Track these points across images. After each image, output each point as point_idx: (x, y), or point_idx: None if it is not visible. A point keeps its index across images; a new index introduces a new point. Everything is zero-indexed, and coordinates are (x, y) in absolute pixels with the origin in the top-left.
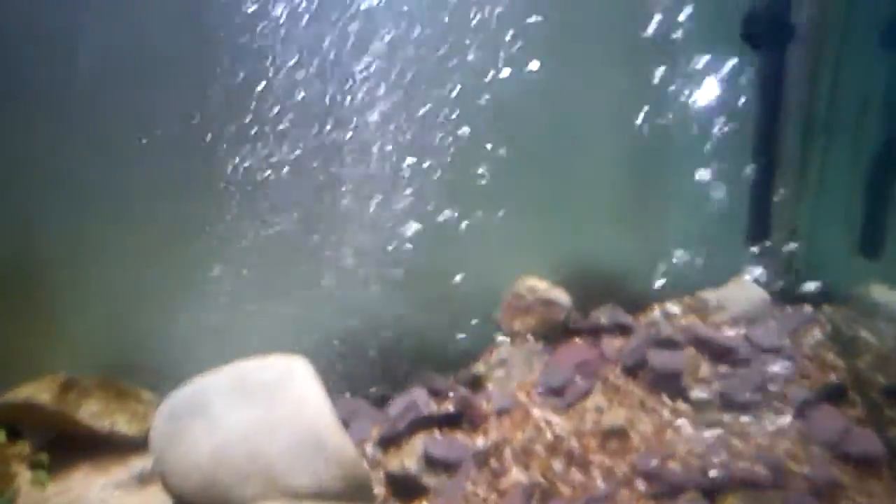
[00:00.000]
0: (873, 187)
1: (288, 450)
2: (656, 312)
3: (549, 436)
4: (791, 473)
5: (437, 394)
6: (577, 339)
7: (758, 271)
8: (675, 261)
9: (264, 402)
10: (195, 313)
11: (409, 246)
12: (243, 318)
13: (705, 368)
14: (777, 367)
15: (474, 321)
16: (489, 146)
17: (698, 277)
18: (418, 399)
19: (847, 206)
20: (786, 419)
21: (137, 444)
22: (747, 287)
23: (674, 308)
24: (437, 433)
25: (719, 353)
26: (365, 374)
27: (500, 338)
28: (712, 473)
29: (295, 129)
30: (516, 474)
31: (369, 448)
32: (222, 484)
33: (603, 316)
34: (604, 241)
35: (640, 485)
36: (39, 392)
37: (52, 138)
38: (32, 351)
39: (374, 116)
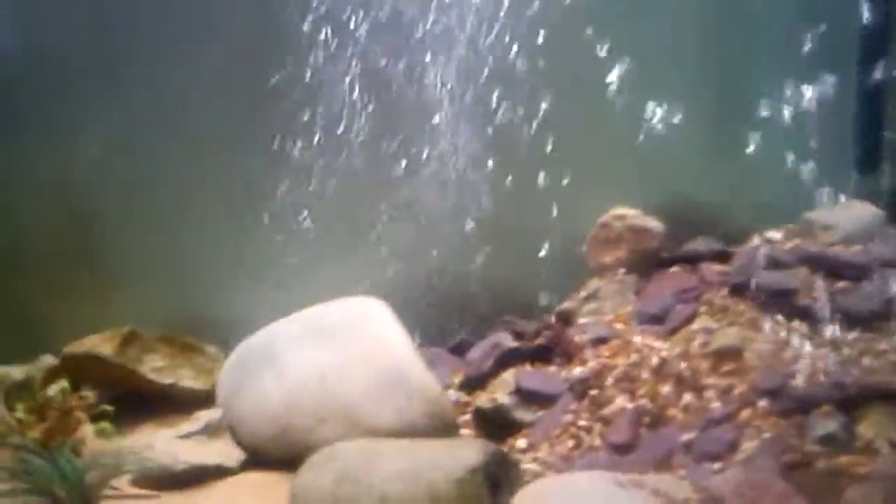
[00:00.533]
0: None
1: (368, 388)
2: (756, 240)
3: (654, 360)
4: None
5: (521, 336)
6: (672, 269)
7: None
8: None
9: (339, 343)
10: (266, 267)
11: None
12: (315, 274)
13: (821, 286)
14: None
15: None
16: None
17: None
18: (502, 340)
19: None
20: None
21: (203, 399)
22: (856, 206)
23: (776, 235)
24: (528, 368)
25: (835, 269)
26: (444, 325)
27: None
28: (845, 387)
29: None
30: (621, 402)
31: (452, 394)
32: (297, 429)
33: (699, 245)
34: (696, 175)
35: (764, 403)
36: (101, 344)
37: (117, 106)
38: (100, 309)
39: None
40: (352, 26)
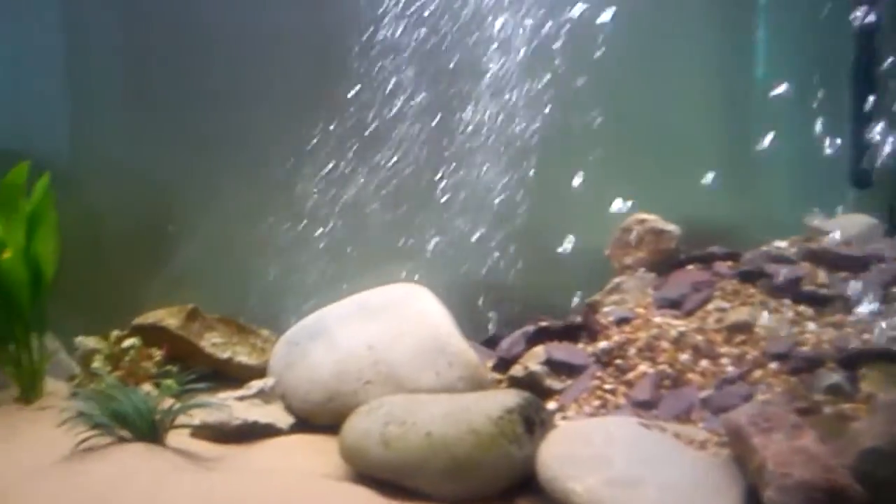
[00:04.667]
0: None
1: (411, 355)
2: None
3: (673, 333)
4: None
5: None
6: (688, 267)
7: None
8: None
9: (385, 318)
10: (314, 263)
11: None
12: (360, 269)
13: (823, 276)
14: None
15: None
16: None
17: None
18: (528, 329)
19: None
20: None
21: (256, 375)
22: (855, 217)
23: (782, 244)
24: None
25: (836, 262)
26: (478, 323)
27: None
28: (847, 350)
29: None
30: (643, 368)
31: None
32: (345, 394)
33: (713, 248)
34: (711, 193)
35: (773, 365)
36: (168, 317)
37: (198, 107)
38: (166, 295)
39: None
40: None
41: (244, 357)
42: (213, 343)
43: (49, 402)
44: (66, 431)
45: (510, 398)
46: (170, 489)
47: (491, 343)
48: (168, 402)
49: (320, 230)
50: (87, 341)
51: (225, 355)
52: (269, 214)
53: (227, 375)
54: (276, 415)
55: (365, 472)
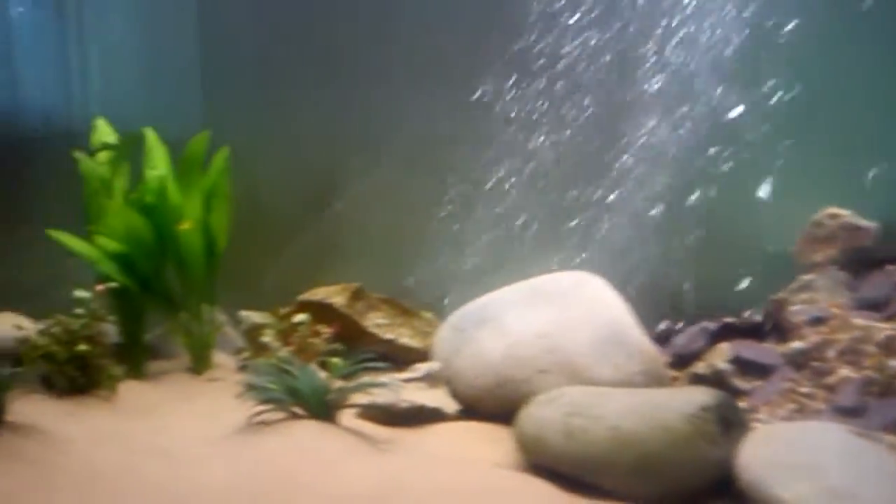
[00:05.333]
0: None
1: (588, 345)
2: None
3: (880, 336)
4: None
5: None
6: (888, 267)
7: None
8: None
9: (559, 305)
10: (478, 247)
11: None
12: (528, 259)
13: None
14: None
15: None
16: None
17: None
18: (708, 326)
19: None
20: None
21: (418, 357)
22: None
23: None
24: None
25: None
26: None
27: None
28: None
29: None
30: (845, 372)
31: None
32: (516, 380)
33: None
34: None
35: None
36: (334, 295)
37: (357, 97)
38: (329, 276)
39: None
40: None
41: (407, 339)
42: (377, 323)
43: (218, 373)
44: (238, 403)
45: (705, 396)
46: (353, 470)
47: (663, 338)
48: (338, 381)
49: (484, 214)
50: (252, 315)
51: (388, 336)
52: (434, 197)
53: (386, 357)
54: (441, 399)
55: (541, 464)
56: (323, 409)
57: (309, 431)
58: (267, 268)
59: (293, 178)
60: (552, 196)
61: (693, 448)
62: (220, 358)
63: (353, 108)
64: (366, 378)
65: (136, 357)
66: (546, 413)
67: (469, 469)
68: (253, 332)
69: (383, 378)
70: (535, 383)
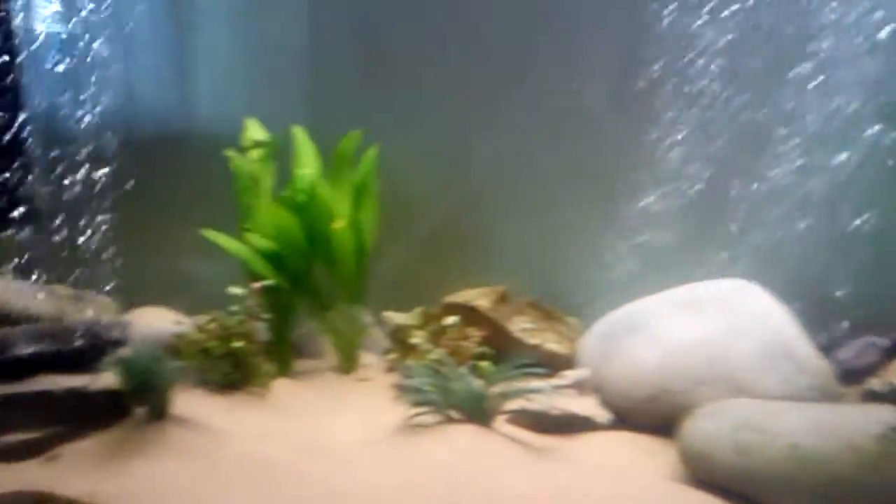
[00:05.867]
0: None
1: (752, 356)
2: None
3: None
4: None
5: None
6: None
7: None
8: None
9: (718, 314)
10: (626, 252)
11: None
12: (679, 265)
13: None
14: None
15: None
16: None
17: None
18: (876, 341)
19: None
20: None
21: (563, 364)
22: None
23: None
24: None
25: None
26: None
27: None
28: None
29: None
30: None
31: None
32: (672, 391)
33: None
34: None
35: None
36: (479, 298)
37: (507, 100)
38: (471, 278)
39: None
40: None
41: (553, 345)
42: (522, 328)
43: (365, 373)
44: (390, 404)
45: (892, 415)
46: (516, 477)
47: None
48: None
49: (634, 216)
50: (395, 316)
51: (534, 341)
52: (578, 200)
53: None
54: (591, 408)
55: (708, 479)
56: (480, 413)
57: (467, 436)
58: (408, 268)
59: (436, 177)
60: (707, 201)
61: (882, 470)
62: (367, 358)
63: (503, 106)
64: (523, 384)
65: (284, 355)
66: (712, 426)
67: (634, 480)
68: (397, 333)
69: (539, 384)
70: (694, 395)
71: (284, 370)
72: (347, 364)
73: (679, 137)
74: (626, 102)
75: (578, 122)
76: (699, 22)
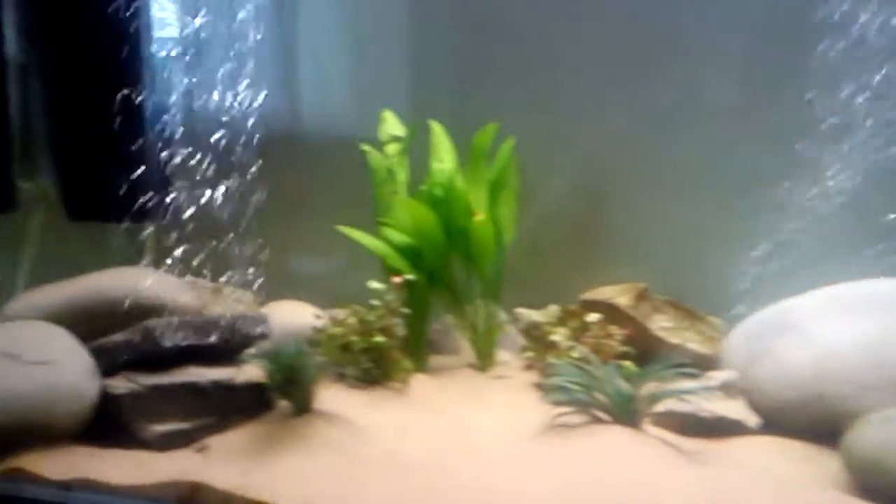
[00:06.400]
0: None
1: None
2: None
3: None
4: None
5: None
6: None
7: None
8: None
9: (881, 314)
10: (772, 248)
11: None
12: (830, 262)
13: None
14: None
15: None
16: None
17: None
18: None
19: None
20: None
21: (705, 365)
22: None
23: None
24: None
25: None
26: None
27: None
28: None
29: None
30: None
31: None
32: (830, 395)
33: None
34: None
35: None
36: (618, 295)
37: (634, 87)
38: (604, 275)
39: None
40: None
41: (695, 345)
42: (662, 327)
43: (502, 371)
44: (531, 402)
45: None
46: (677, 481)
47: None
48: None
49: (781, 211)
50: (529, 313)
51: (674, 341)
52: (721, 192)
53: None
54: (739, 411)
55: (879, 490)
56: (628, 414)
57: (618, 437)
58: (539, 265)
59: (566, 170)
60: (864, 195)
61: None
62: (502, 355)
63: (640, 92)
64: (674, 385)
65: (420, 351)
66: (886, 435)
67: (796, 488)
68: (532, 331)
69: (692, 385)
70: (858, 401)
71: (421, 366)
72: (484, 361)
73: (836, 124)
74: (779, 88)
75: (724, 109)
76: None
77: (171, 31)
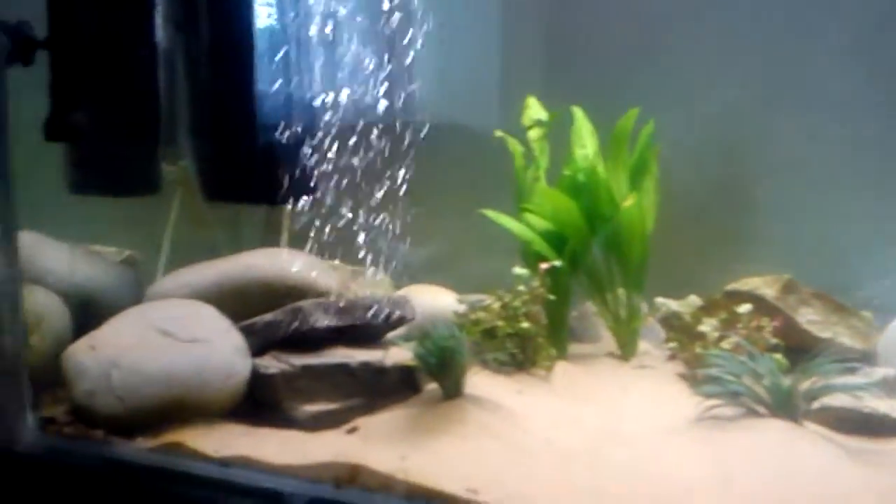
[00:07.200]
0: None
1: None
2: None
3: None
4: None
5: None
6: None
7: None
8: None
9: None
10: None
11: None
12: None
13: None
14: None
15: None
16: None
17: None
18: None
19: None
20: None
21: (859, 359)
22: None
23: None
24: None
25: None
26: None
27: None
28: None
29: None
30: None
31: None
32: None
33: None
34: None
35: None
36: (763, 286)
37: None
38: (745, 259)
39: None
40: None
41: (846, 339)
42: (810, 320)
43: (644, 360)
44: (677, 393)
45: None
46: (850, 479)
47: None
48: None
49: None
50: (670, 303)
51: (825, 335)
52: (872, 180)
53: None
54: None
55: None
56: (788, 408)
57: (778, 431)
58: (677, 253)
59: (709, 156)
60: None
61: None
62: (643, 345)
63: (787, 75)
64: (833, 380)
65: (561, 338)
66: None
67: None
68: (672, 321)
69: (857, 380)
70: None
71: (562, 353)
72: (626, 350)
73: None
74: None
75: (877, 89)
76: None
77: (316, 19)
